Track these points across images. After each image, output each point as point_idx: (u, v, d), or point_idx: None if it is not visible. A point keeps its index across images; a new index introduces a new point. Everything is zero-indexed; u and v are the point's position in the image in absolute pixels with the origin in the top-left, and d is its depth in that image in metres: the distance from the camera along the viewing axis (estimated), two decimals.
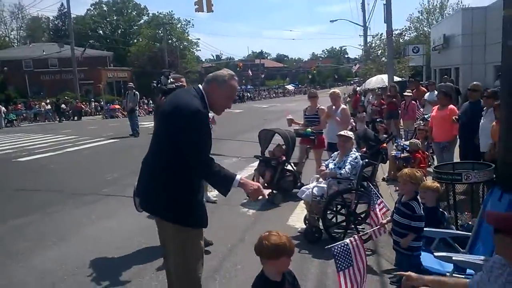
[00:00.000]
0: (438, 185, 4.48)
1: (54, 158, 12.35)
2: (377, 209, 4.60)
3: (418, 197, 3.99)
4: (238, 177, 2.96)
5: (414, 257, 3.85)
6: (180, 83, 5.23)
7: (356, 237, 3.36)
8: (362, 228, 5.37)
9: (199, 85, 3.08)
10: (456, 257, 3.38)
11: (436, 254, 3.53)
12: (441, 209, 4.66)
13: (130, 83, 17.48)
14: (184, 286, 3.03)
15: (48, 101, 34.42)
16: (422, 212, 3.84)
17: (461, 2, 43.09)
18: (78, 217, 6.55)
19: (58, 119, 31.11)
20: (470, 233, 4.06)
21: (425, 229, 3.87)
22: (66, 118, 32.20)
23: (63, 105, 32.90)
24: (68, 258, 4.92)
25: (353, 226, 5.30)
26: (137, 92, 14.76)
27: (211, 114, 3.51)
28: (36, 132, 21.22)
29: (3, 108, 28.16)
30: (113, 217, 6.37)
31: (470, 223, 4.74)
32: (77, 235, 5.75)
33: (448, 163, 5.95)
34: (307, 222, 5.56)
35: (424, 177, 6.73)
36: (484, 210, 4.30)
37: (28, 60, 43.80)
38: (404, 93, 11.63)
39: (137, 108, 18.75)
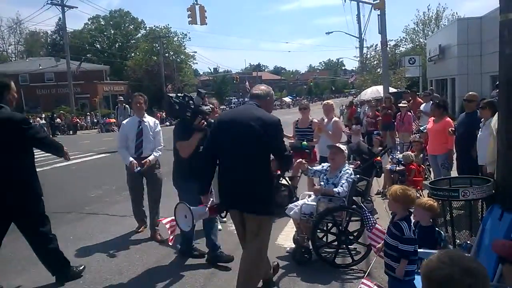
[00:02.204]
0: (433, 203, 4.08)
1: (40, 175, 11.88)
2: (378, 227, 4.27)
3: (412, 216, 3.66)
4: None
5: (407, 282, 3.51)
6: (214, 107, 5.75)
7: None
8: (354, 248, 5.07)
9: (253, 102, 3.86)
10: None
11: None
12: (437, 228, 4.32)
13: (120, 97, 17.21)
14: (259, 264, 3.77)
15: (43, 115, 34.16)
16: (411, 234, 3.47)
17: (456, 13, 43.41)
18: None
19: (52, 134, 30.81)
20: (468, 255, 3.73)
21: (419, 250, 3.53)
22: (61, 132, 31.94)
23: (57, 120, 32.64)
24: (35, 286, 4.56)
25: (344, 246, 4.97)
26: (127, 106, 14.41)
27: None
28: None
29: None
30: (92, 238, 6.02)
31: (469, 242, 4.41)
32: None
33: (444, 178, 5.61)
34: (296, 241, 5.22)
35: (417, 193, 6.45)
36: (483, 229, 4.00)
37: (24, 74, 43.72)
38: (400, 104, 11.40)
39: None
